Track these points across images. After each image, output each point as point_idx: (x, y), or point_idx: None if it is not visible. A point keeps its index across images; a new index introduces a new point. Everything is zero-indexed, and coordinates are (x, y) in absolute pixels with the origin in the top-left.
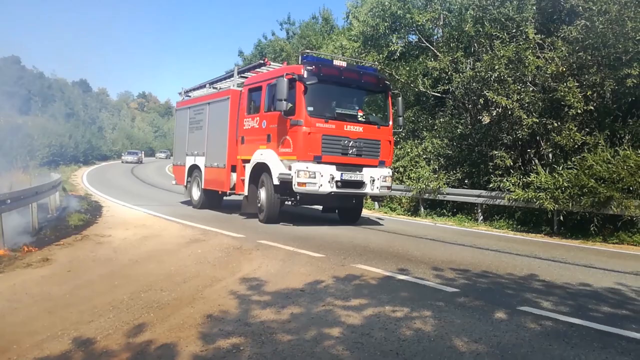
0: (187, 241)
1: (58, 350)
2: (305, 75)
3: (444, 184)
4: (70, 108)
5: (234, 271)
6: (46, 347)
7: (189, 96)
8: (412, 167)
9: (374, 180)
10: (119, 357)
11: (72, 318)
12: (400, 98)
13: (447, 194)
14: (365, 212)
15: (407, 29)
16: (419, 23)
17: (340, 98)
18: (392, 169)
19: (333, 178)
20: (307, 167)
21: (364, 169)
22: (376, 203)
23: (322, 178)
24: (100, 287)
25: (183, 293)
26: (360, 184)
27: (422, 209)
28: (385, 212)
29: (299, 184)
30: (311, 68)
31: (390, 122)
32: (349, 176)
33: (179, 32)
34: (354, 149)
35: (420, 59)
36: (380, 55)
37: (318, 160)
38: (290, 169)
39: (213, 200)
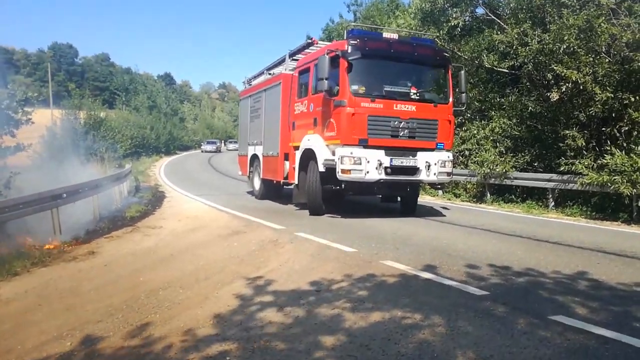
0: (228, 233)
1: (56, 352)
2: (348, 51)
3: (512, 167)
4: (152, 101)
5: (259, 267)
6: (46, 349)
7: (250, 84)
8: (477, 150)
9: (429, 166)
10: None
11: (85, 317)
12: (463, 72)
13: (515, 178)
14: (427, 200)
15: (469, 2)
16: None
17: (390, 74)
18: (454, 153)
19: (381, 164)
20: (351, 153)
21: (419, 153)
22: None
23: (369, 164)
24: (126, 283)
25: (199, 291)
26: (413, 170)
27: (489, 195)
28: (449, 199)
29: (343, 171)
30: (355, 42)
31: (451, 100)
32: (399, 161)
33: (252, 22)
34: (406, 131)
35: (486, 33)
36: (440, 32)
37: (364, 144)
38: (334, 154)
39: (272, 190)
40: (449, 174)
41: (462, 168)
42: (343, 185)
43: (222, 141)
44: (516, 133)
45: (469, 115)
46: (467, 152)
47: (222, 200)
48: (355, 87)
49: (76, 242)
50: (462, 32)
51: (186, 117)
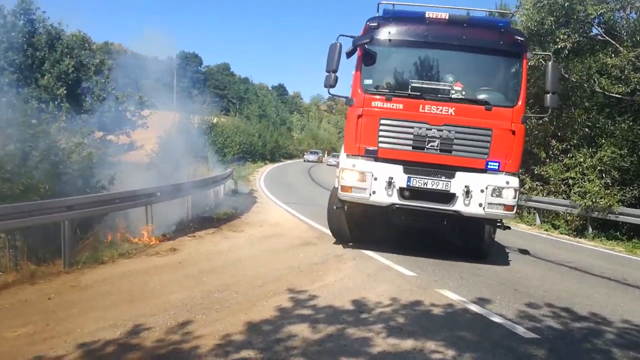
0: (299, 243)
1: (105, 338)
2: (365, 37)
3: (618, 201)
4: (263, 110)
5: (314, 280)
6: (99, 334)
7: None
8: (581, 180)
9: (468, 192)
10: (136, 354)
11: (142, 310)
12: (550, 64)
13: (620, 213)
14: (520, 228)
15: (582, 22)
16: (593, 16)
17: (425, 65)
18: (556, 180)
19: (392, 184)
20: (353, 165)
21: (458, 174)
22: (537, 217)
23: (376, 182)
24: (190, 282)
25: (251, 298)
26: (444, 197)
27: (590, 229)
28: (546, 230)
29: (343, 188)
30: (374, 25)
31: (520, 102)
32: (422, 183)
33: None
34: (437, 142)
35: (600, 55)
36: (547, 52)
37: (372, 155)
38: None
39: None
40: (508, 206)
41: (563, 198)
42: (346, 207)
43: (325, 152)
44: (625, 165)
45: (575, 141)
46: (570, 181)
47: (307, 210)
48: (368, 81)
49: (163, 238)
50: (570, 54)
51: (294, 127)
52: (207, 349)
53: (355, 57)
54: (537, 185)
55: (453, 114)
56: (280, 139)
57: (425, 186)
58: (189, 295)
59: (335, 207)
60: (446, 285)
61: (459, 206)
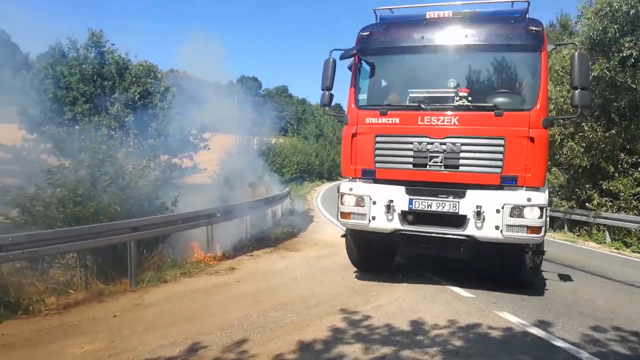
0: None
1: (165, 355)
2: (357, 48)
3: None
4: (320, 129)
5: (369, 300)
6: (159, 352)
7: None
8: None
9: (480, 214)
10: None
11: (201, 328)
12: (577, 54)
13: None
14: (590, 246)
15: None
16: None
17: (423, 72)
18: (626, 196)
19: (392, 208)
20: (350, 189)
21: (468, 192)
22: (607, 235)
23: (375, 207)
24: (247, 301)
25: (305, 317)
26: (453, 220)
27: None
28: (617, 248)
29: (342, 214)
30: (366, 34)
31: (539, 104)
32: (426, 205)
33: None
34: (440, 157)
35: None
36: (611, 63)
37: (370, 176)
38: None
39: None
40: (533, 228)
41: (635, 214)
42: (348, 236)
43: None
44: None
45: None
46: None
47: None
48: (362, 96)
49: (222, 257)
50: (637, 62)
51: None
52: None
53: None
54: (606, 201)
55: (457, 124)
56: (338, 158)
57: (429, 208)
58: (246, 314)
59: (341, 236)
60: (505, 308)
61: (471, 230)
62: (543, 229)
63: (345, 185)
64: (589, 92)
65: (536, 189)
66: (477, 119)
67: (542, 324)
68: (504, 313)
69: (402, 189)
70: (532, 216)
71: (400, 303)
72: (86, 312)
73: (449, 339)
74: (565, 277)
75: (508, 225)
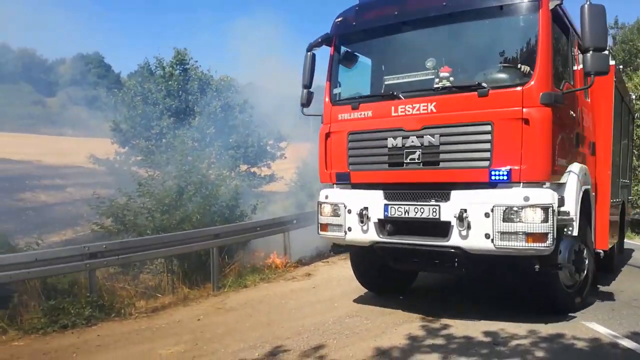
0: None
1: (245, 358)
2: (331, 36)
3: None
4: None
5: (448, 308)
6: (240, 355)
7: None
8: None
9: (463, 218)
10: None
11: (279, 333)
12: (588, 6)
13: None
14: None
15: None
16: None
17: (404, 53)
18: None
19: (365, 216)
20: (326, 197)
21: (453, 194)
22: None
23: (350, 216)
24: (322, 307)
25: (380, 324)
26: (436, 228)
27: None
28: None
29: (321, 226)
30: (339, 20)
31: (536, 76)
32: (403, 210)
33: None
34: (417, 152)
35: None
36: None
37: (345, 181)
38: None
39: None
40: (534, 236)
41: None
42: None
43: None
44: None
45: None
46: None
47: None
48: (337, 90)
49: (299, 263)
50: None
51: None
52: None
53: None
54: None
55: (434, 110)
56: None
57: (407, 215)
58: (321, 320)
59: (329, 251)
60: (594, 318)
61: (456, 239)
62: (550, 236)
63: (322, 192)
64: (606, 53)
65: (538, 184)
66: (459, 103)
67: (635, 336)
68: (592, 323)
69: (379, 193)
70: (532, 219)
71: (479, 311)
72: (172, 315)
73: (531, 349)
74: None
75: (501, 233)
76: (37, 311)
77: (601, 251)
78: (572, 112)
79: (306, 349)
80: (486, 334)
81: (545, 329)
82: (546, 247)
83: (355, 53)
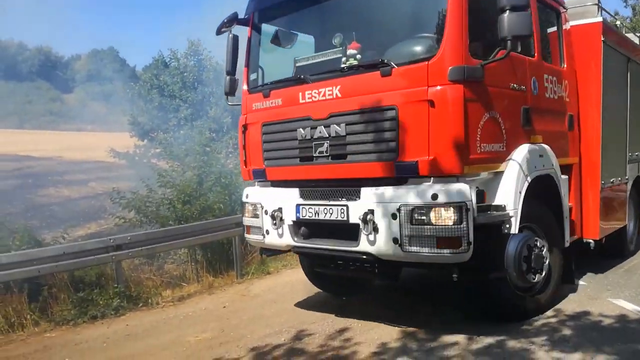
0: None
1: (272, 343)
2: (245, 15)
3: None
4: None
5: None
6: (266, 340)
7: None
8: None
9: (367, 220)
10: (300, 358)
11: (304, 317)
12: None
13: None
14: None
15: None
16: None
17: (315, 29)
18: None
19: (278, 218)
20: (247, 196)
21: (363, 191)
22: None
23: (267, 217)
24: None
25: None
26: (348, 231)
27: None
28: None
29: (245, 229)
30: None
31: (443, 49)
32: (313, 211)
33: None
34: (325, 144)
35: None
36: None
37: (261, 178)
38: None
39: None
40: (446, 240)
41: None
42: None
43: None
44: None
45: None
46: None
47: None
48: (253, 75)
49: None
50: None
51: None
52: (365, 355)
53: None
54: None
55: (339, 95)
56: None
57: (317, 216)
58: (346, 302)
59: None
60: (621, 295)
61: (364, 244)
62: (465, 240)
63: (244, 190)
64: (526, 13)
65: (451, 178)
66: (363, 85)
67: None
68: (619, 300)
69: (295, 192)
70: (443, 221)
71: None
72: (198, 303)
73: (558, 327)
74: None
75: (410, 237)
76: (67, 303)
77: (591, 241)
78: (517, 85)
79: (332, 332)
80: None
81: (571, 307)
82: (460, 253)
83: (266, 33)
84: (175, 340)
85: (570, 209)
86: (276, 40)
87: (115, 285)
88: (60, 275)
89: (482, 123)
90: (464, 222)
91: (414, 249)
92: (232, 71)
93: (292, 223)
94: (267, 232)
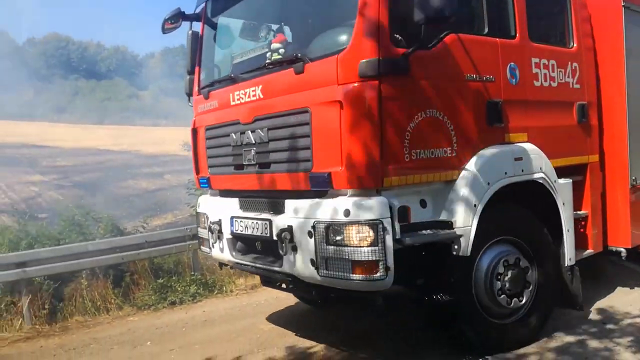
0: None
1: None
2: (196, 11)
3: None
4: None
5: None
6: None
7: None
8: None
9: (285, 239)
10: None
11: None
12: None
13: None
14: None
15: None
16: None
17: (253, 23)
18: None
19: (217, 230)
20: (199, 206)
21: (287, 204)
22: None
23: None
24: None
25: None
26: (270, 249)
27: None
28: None
29: (200, 240)
30: None
31: (354, 40)
32: (243, 225)
33: None
34: (252, 151)
35: None
36: None
37: (206, 187)
38: None
39: None
40: (360, 265)
41: None
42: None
43: None
44: None
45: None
46: None
47: None
48: (203, 75)
49: None
50: None
51: None
52: None
53: None
54: None
55: (261, 96)
56: None
57: (246, 231)
58: None
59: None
60: None
61: (286, 264)
62: (382, 265)
63: (198, 199)
64: None
65: (370, 192)
66: (281, 84)
67: None
68: None
69: (236, 203)
70: (357, 242)
71: (587, 288)
72: (271, 292)
73: None
74: None
75: (326, 259)
76: (148, 289)
77: (622, 249)
78: (478, 74)
79: None
80: (596, 311)
81: None
82: (376, 280)
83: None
84: (248, 327)
85: (585, 218)
86: (244, 33)
87: (192, 273)
88: (142, 263)
89: (414, 125)
90: (381, 244)
91: (329, 273)
92: (192, 70)
93: (230, 237)
94: (213, 245)
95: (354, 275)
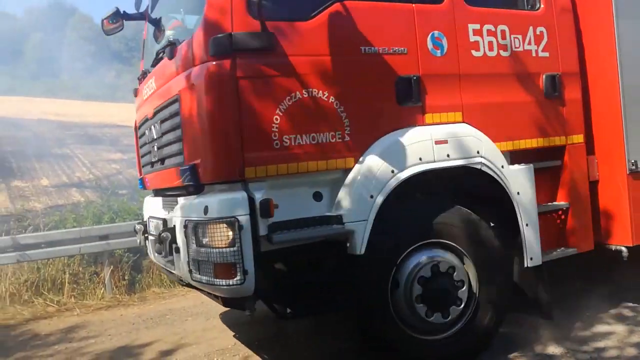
0: None
1: None
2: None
3: None
4: None
5: None
6: None
7: None
8: None
9: (164, 240)
10: None
11: None
12: None
13: None
14: None
15: None
16: None
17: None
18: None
19: (141, 230)
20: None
21: (178, 201)
22: None
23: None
24: None
25: None
26: (165, 247)
27: None
28: None
29: None
30: None
31: (201, 18)
32: (152, 226)
33: None
34: (155, 146)
35: None
36: None
37: (140, 185)
38: None
39: None
40: (219, 267)
41: None
42: None
43: None
44: None
45: None
46: None
47: None
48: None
49: None
50: None
51: None
52: None
53: None
54: None
55: (155, 87)
56: None
57: (154, 231)
58: None
59: None
60: None
61: (176, 266)
62: (239, 268)
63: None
64: None
65: (235, 185)
66: (164, 73)
67: None
68: None
69: (160, 202)
70: (218, 242)
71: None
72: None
73: None
74: None
75: (194, 261)
76: None
77: (623, 248)
78: (382, 47)
79: None
80: None
81: None
82: (234, 286)
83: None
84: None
85: (566, 210)
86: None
87: None
88: None
89: (285, 107)
90: (237, 244)
91: (197, 277)
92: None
93: (152, 238)
94: (146, 245)
95: (217, 279)
